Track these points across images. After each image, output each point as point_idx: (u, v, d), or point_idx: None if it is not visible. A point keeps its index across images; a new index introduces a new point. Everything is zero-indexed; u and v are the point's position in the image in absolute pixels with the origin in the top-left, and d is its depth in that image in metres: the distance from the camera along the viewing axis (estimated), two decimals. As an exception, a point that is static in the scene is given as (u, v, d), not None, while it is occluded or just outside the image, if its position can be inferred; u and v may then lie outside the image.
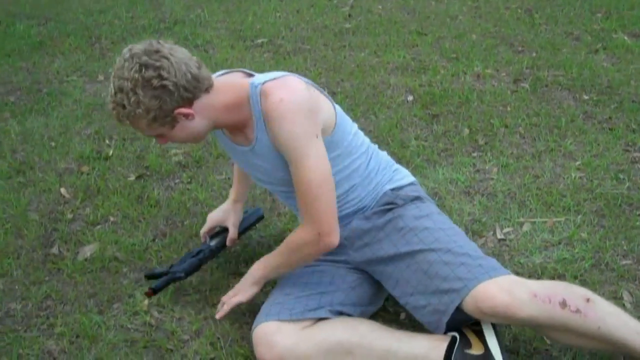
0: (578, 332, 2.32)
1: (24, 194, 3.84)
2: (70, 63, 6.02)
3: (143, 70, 2.29)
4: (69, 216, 3.61)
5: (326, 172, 2.41)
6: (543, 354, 2.56)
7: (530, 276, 2.96)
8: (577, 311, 2.29)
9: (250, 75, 2.54)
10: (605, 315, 2.32)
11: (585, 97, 4.73)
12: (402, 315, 2.77)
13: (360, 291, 2.64)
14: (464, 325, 2.48)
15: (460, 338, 2.44)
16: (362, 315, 2.64)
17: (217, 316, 2.70)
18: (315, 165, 2.39)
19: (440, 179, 3.74)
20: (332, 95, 4.96)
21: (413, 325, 2.67)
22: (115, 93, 2.34)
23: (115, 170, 4.06)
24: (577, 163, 3.85)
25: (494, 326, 2.45)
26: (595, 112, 4.50)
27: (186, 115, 2.38)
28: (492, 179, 3.74)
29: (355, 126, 2.67)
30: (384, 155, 2.78)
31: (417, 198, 2.66)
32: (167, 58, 2.31)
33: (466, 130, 4.28)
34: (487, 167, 3.85)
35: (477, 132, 4.26)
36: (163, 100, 2.32)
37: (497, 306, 2.27)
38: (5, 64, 6.07)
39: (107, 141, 4.43)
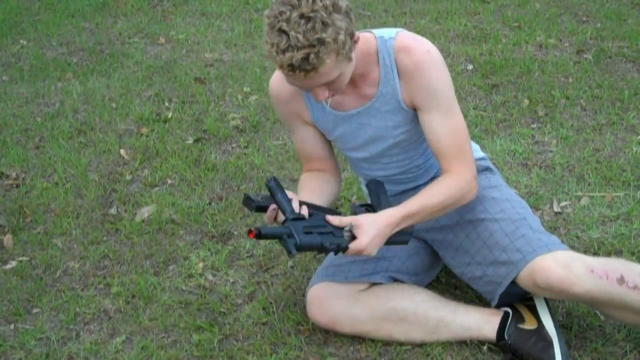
0: (634, 309, 2.30)
1: (85, 154, 3.91)
2: (132, 25, 6.07)
3: None
4: (128, 177, 3.66)
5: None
6: (596, 330, 2.54)
7: (586, 251, 2.92)
8: (635, 288, 2.26)
9: None
10: (665, 293, 2.28)
11: (650, 70, 4.65)
12: (455, 287, 2.76)
13: (417, 259, 2.64)
14: (517, 301, 2.48)
15: (513, 313, 2.45)
16: (416, 284, 2.63)
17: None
18: (460, 112, 2.41)
19: (498, 149, 3.70)
20: (391, 62, 4.93)
21: (465, 297, 2.66)
22: (308, 32, 2.04)
23: (173, 132, 4.10)
24: (639, 137, 3.78)
25: (546, 302, 2.44)
26: (660, 85, 4.41)
27: (356, 42, 2.20)
28: (551, 151, 3.69)
29: None
30: None
31: (488, 169, 2.64)
32: None
33: (526, 101, 4.23)
34: (546, 139, 3.80)
35: (537, 103, 4.20)
36: (350, 23, 2.14)
37: (552, 280, 2.25)
38: (69, 25, 6.15)
39: (166, 104, 4.47)
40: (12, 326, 2.71)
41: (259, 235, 2.15)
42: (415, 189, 2.51)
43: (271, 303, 2.74)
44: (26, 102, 4.60)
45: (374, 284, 2.55)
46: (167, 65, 5.12)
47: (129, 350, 2.57)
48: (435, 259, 2.66)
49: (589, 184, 3.39)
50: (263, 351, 2.52)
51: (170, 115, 4.29)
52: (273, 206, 2.28)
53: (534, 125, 3.97)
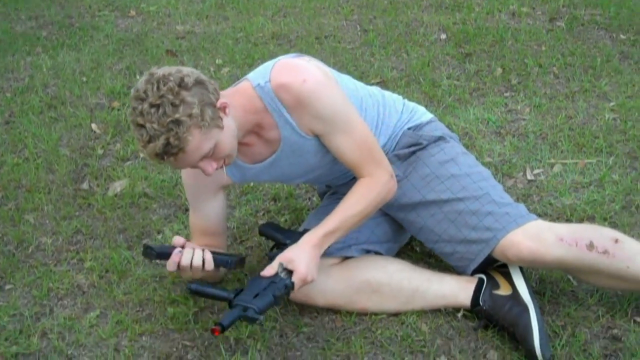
0: (607, 273, 2.32)
1: (55, 129, 3.87)
2: (102, -2, 6.01)
3: (170, 78, 2.12)
4: (100, 152, 3.63)
5: (365, 122, 2.43)
6: (569, 296, 2.55)
7: (559, 217, 2.94)
8: (605, 252, 2.28)
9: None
10: (635, 255, 2.31)
11: (622, 37, 4.65)
12: (430, 256, 2.77)
13: (385, 226, 2.64)
14: (490, 268, 2.49)
15: (487, 279, 2.46)
16: (389, 251, 2.64)
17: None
18: (360, 120, 2.39)
19: (471, 118, 3.70)
20: (364, 32, 4.92)
21: (440, 265, 2.67)
22: (160, 118, 2.08)
23: (145, 106, 4.06)
24: (611, 104, 3.79)
25: (520, 267, 2.46)
26: (632, 52, 4.42)
27: (224, 108, 2.22)
28: (524, 119, 3.70)
29: (351, 79, 2.61)
30: (395, 97, 2.72)
31: (441, 138, 2.61)
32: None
33: (499, 70, 4.23)
34: (519, 107, 3.81)
35: (510, 72, 4.20)
36: (205, 93, 2.16)
37: (523, 253, 2.29)
38: (38, -2, 6.08)
39: (137, 77, 4.43)
40: (-16, 303, 2.70)
41: (223, 329, 2.18)
42: None
43: (246, 275, 2.73)
44: (-5, 77, 4.56)
45: (346, 258, 2.55)
46: (138, 38, 5.08)
47: (104, 325, 2.56)
48: None
49: (561, 151, 3.40)
50: (238, 323, 2.51)
51: (141, 88, 4.25)
52: (177, 250, 2.35)
53: (507, 94, 3.97)
